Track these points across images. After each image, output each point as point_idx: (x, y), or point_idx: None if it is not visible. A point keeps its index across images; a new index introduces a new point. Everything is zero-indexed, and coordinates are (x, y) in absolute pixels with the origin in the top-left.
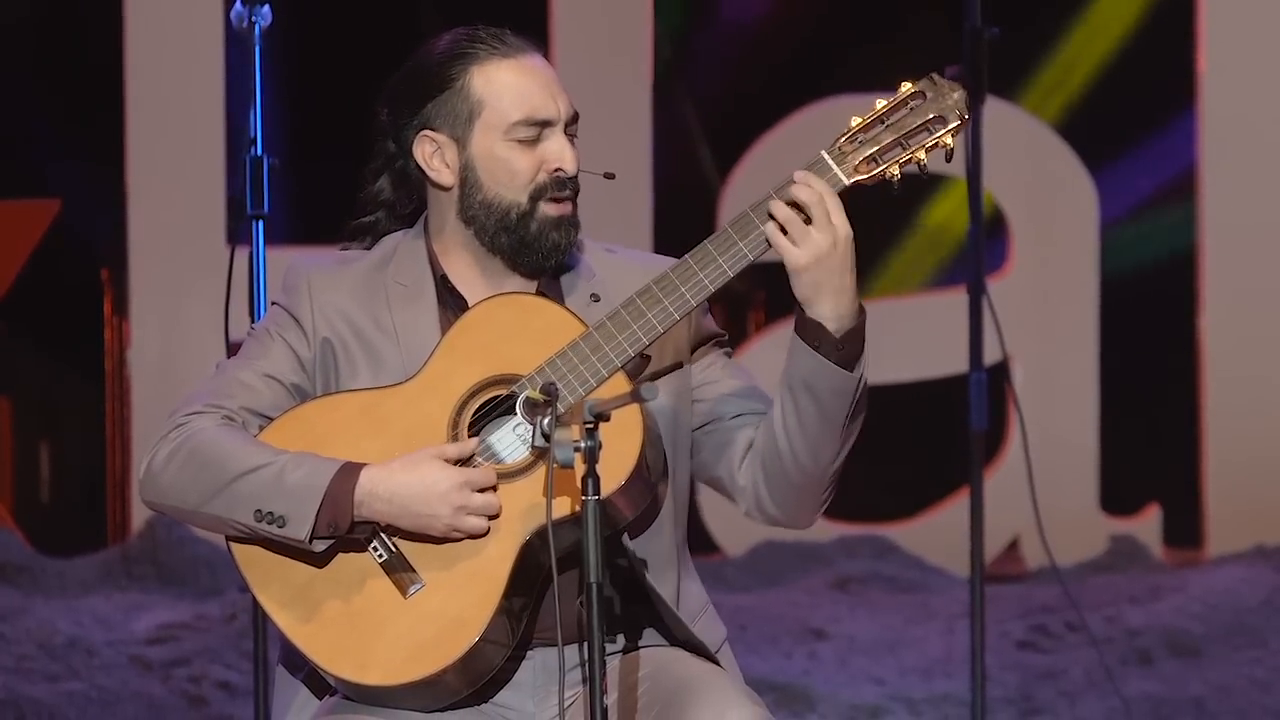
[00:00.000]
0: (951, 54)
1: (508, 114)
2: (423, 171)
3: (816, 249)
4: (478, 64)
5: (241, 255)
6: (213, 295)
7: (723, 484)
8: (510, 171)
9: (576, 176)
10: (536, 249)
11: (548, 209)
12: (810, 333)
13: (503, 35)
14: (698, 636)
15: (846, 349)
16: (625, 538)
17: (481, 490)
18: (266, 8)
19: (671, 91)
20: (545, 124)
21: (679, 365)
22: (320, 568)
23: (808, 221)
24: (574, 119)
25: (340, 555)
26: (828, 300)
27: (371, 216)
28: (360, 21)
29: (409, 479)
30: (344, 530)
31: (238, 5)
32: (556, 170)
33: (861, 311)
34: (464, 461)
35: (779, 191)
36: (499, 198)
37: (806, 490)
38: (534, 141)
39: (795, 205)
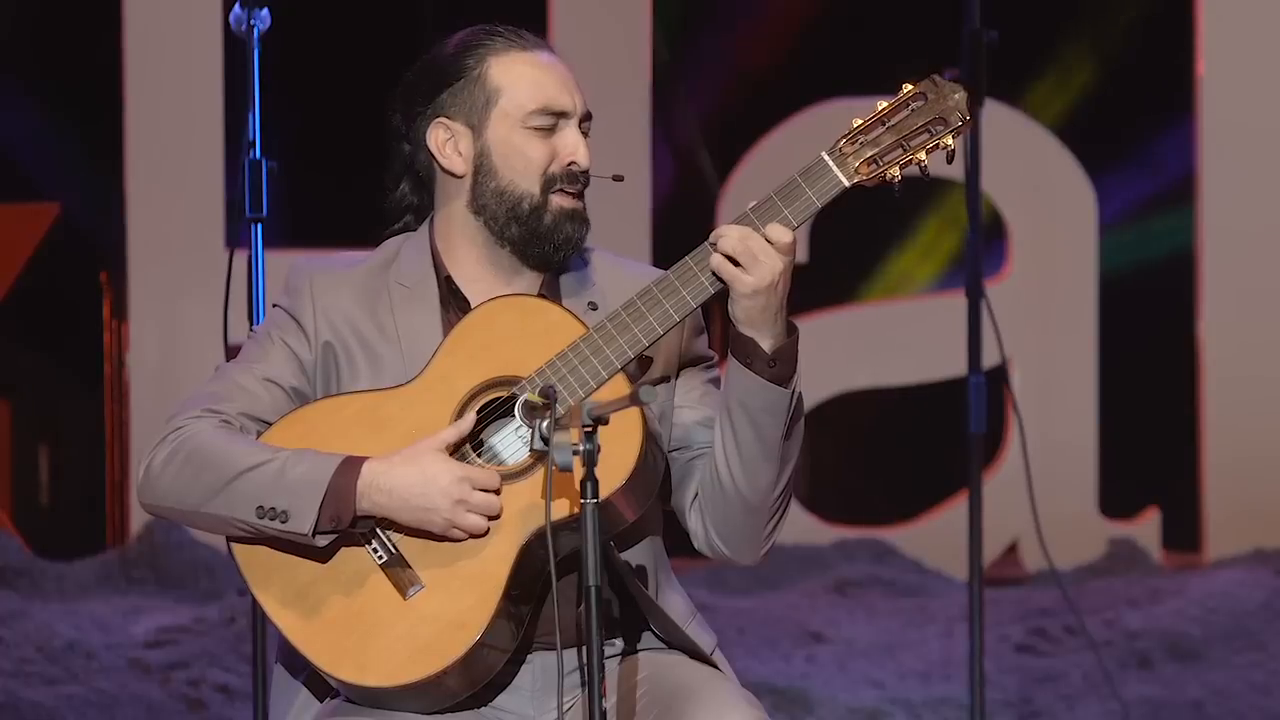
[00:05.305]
0: (951, 57)
1: (525, 102)
2: (434, 159)
3: (771, 273)
4: (495, 54)
5: (240, 258)
6: (211, 298)
7: (680, 515)
8: (525, 159)
9: (588, 172)
10: (549, 240)
11: (560, 201)
12: (742, 351)
13: (520, 31)
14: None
15: (779, 367)
16: (611, 545)
17: (484, 490)
18: (265, 11)
19: (671, 93)
20: (561, 115)
21: (666, 379)
22: (321, 569)
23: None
24: (587, 117)
25: (340, 556)
26: (766, 320)
27: (400, 223)
28: (359, 25)
29: (410, 471)
30: (346, 524)
31: (236, 9)
32: (570, 163)
33: (793, 330)
34: (462, 444)
35: (734, 220)
36: (513, 185)
37: (747, 522)
38: (549, 131)
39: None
